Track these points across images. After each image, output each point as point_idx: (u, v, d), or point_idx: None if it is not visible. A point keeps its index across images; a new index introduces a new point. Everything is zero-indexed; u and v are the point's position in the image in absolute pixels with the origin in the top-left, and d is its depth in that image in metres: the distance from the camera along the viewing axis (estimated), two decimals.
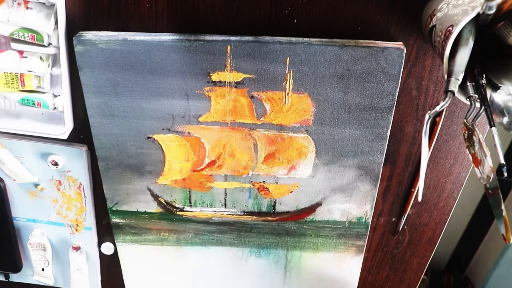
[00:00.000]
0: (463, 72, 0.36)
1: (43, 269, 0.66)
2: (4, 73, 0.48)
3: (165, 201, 0.58)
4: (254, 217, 0.59)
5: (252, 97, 0.49)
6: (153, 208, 0.58)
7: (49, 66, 0.48)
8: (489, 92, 0.41)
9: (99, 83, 0.48)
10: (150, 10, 0.46)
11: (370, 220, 0.58)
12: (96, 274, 0.68)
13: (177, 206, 0.58)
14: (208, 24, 0.47)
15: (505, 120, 0.41)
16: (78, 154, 0.55)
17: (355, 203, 0.56)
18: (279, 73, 0.47)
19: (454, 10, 0.37)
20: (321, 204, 0.57)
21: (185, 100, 0.49)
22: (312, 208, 0.57)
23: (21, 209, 0.62)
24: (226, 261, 0.64)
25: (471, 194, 1.55)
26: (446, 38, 0.36)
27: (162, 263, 0.65)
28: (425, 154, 0.39)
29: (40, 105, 0.50)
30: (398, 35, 0.46)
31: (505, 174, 0.35)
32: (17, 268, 0.67)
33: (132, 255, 0.64)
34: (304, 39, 0.45)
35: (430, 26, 0.41)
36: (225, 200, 0.57)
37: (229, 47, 0.45)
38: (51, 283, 0.68)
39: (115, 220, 0.60)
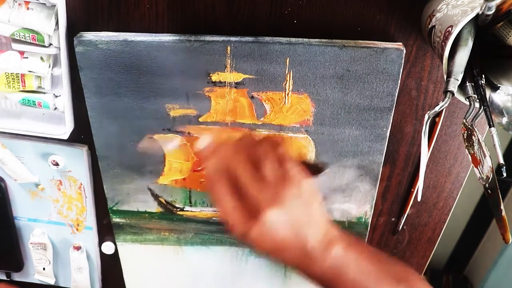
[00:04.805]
0: (463, 73, 0.36)
1: (44, 268, 0.67)
2: (5, 73, 0.49)
3: (165, 201, 0.58)
4: None
5: (252, 97, 0.49)
6: (154, 208, 0.59)
7: (49, 66, 0.48)
8: (488, 92, 0.41)
9: (100, 83, 0.48)
10: (150, 11, 0.46)
11: (369, 220, 0.58)
12: (97, 273, 0.68)
13: (177, 206, 0.58)
14: (208, 24, 0.47)
15: (504, 120, 0.41)
16: (79, 154, 0.55)
17: (354, 203, 0.57)
18: (279, 74, 0.47)
19: (453, 10, 0.37)
20: None
21: (185, 100, 0.49)
22: None
23: (22, 208, 0.62)
24: (226, 260, 0.64)
25: (470, 194, 1.55)
26: (446, 38, 0.37)
27: (162, 263, 0.65)
28: (425, 154, 0.39)
29: (41, 105, 0.50)
30: (398, 36, 0.46)
31: (504, 174, 0.35)
32: (18, 267, 0.67)
33: (133, 254, 0.64)
34: (304, 39, 0.45)
35: (430, 26, 0.41)
36: None
37: (229, 48, 0.46)
38: (52, 282, 0.68)
39: (116, 219, 0.60)
